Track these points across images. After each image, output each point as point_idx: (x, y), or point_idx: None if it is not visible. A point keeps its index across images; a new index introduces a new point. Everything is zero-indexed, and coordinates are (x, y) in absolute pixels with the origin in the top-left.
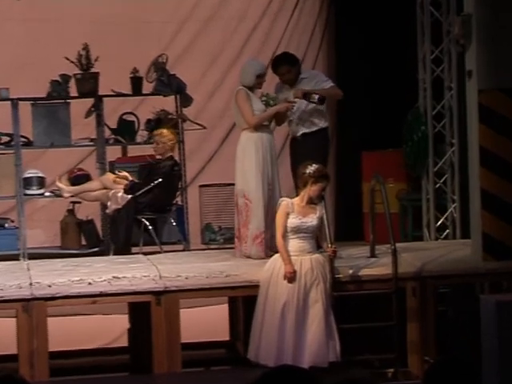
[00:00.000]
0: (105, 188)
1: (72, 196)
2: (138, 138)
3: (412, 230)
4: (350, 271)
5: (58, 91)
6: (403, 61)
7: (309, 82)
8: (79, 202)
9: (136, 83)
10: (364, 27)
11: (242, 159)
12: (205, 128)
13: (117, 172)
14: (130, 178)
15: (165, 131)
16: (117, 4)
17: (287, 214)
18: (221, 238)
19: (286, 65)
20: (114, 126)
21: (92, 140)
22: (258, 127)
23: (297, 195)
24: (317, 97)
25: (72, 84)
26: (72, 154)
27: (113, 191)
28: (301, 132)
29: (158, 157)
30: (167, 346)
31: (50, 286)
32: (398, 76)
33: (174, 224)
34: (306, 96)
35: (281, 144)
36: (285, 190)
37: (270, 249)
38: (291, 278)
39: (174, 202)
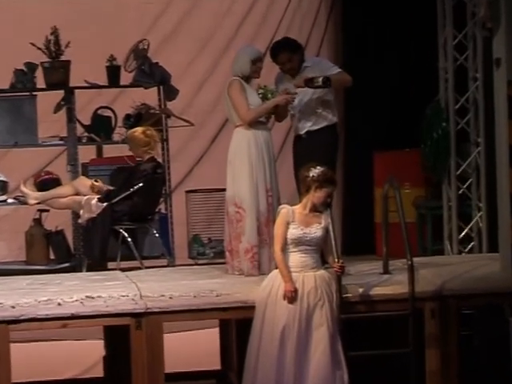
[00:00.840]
0: (77, 194)
1: (39, 203)
2: (116, 137)
3: (431, 242)
4: (360, 290)
5: (23, 82)
6: (421, 47)
7: (312, 70)
8: (47, 211)
9: (113, 73)
10: (375, 8)
11: (233, 161)
12: (192, 125)
13: (93, 181)
14: (106, 189)
15: (137, 133)
16: None
17: (287, 224)
18: (211, 251)
19: (286, 52)
20: (87, 122)
21: (62, 139)
22: (253, 124)
23: (299, 202)
24: (320, 78)
25: (39, 74)
26: (39, 155)
27: (86, 198)
28: (305, 129)
29: (137, 158)
30: (149, 376)
31: (13, 308)
32: (415, 65)
33: (157, 235)
34: (309, 82)
35: (280, 142)
36: (285, 196)
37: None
38: (292, 297)
39: (157, 210)
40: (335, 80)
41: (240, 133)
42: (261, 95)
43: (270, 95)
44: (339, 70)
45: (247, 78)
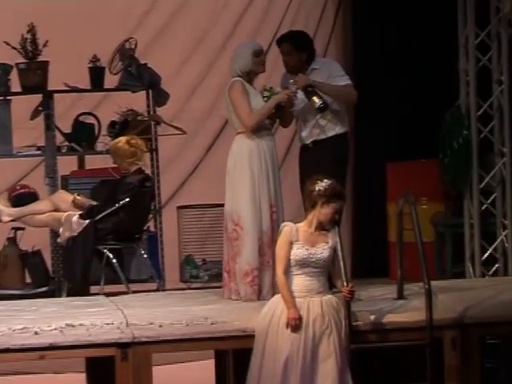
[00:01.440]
0: (56, 210)
1: (13, 220)
2: (99, 146)
3: (451, 264)
4: (372, 317)
5: None
6: (439, 47)
7: (320, 74)
8: (23, 229)
9: (96, 75)
10: (388, 4)
11: (232, 172)
12: (184, 133)
13: (75, 196)
14: (88, 204)
15: (121, 144)
16: None
17: (290, 244)
18: (205, 274)
19: (288, 43)
20: (67, 130)
21: (39, 148)
22: (256, 130)
23: (304, 219)
24: (318, 103)
25: (14, 76)
26: (14, 167)
27: (66, 214)
28: (312, 139)
29: (123, 171)
30: None
31: None
32: (432, 67)
33: (145, 256)
34: (308, 92)
35: (283, 150)
36: (289, 211)
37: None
38: (295, 326)
39: (145, 227)
40: (338, 95)
41: (241, 141)
42: (266, 98)
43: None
44: (348, 82)
45: (250, 76)
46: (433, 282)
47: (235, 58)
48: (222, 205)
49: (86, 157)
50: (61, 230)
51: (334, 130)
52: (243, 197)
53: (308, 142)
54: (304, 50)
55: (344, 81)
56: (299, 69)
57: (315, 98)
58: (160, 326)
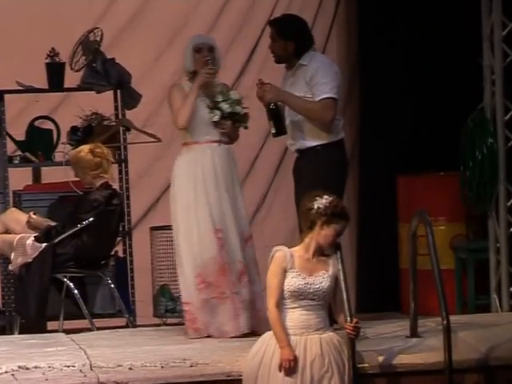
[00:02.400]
0: (7, 232)
1: None
2: (58, 156)
3: (474, 295)
4: (380, 358)
5: None
6: (459, 40)
7: (304, 73)
8: None
9: (54, 72)
10: None
11: (172, 193)
12: (159, 140)
13: (31, 215)
14: (45, 224)
15: (83, 154)
16: None
17: (284, 272)
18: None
19: (273, 28)
20: (20, 137)
21: None
22: (197, 136)
23: (300, 242)
24: (272, 130)
25: None
26: None
27: (19, 237)
28: (294, 147)
29: (87, 186)
30: None
31: None
32: (451, 63)
33: (112, 286)
34: (269, 109)
35: (275, 161)
36: (281, 234)
37: (254, 326)
38: (290, 368)
39: (112, 252)
40: (308, 114)
41: (181, 155)
42: (212, 104)
43: (227, 103)
44: (328, 94)
45: (193, 76)
46: (452, 317)
47: (183, 55)
48: None
49: (43, 169)
50: (12, 255)
51: (326, 137)
52: (180, 220)
53: (292, 149)
54: (289, 38)
55: (324, 92)
56: (286, 60)
57: (271, 123)
58: (130, 369)
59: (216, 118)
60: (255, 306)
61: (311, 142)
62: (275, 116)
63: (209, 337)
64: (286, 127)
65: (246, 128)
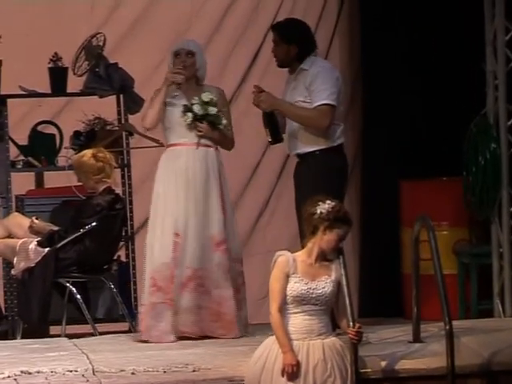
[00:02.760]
0: (9, 236)
1: None
2: (61, 161)
3: (477, 300)
4: (383, 363)
5: None
6: (462, 45)
7: (304, 78)
8: None
9: (57, 77)
10: None
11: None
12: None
13: (33, 219)
14: (48, 229)
15: (86, 158)
16: None
17: (286, 277)
18: None
19: (275, 32)
20: (23, 141)
21: None
22: (173, 136)
23: (302, 247)
24: (268, 138)
25: None
26: None
27: (21, 241)
28: (294, 151)
29: (90, 190)
30: None
31: None
32: (454, 68)
33: (115, 291)
34: (265, 116)
35: (277, 167)
36: (284, 238)
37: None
38: (292, 373)
39: (115, 257)
40: (302, 122)
41: (162, 157)
42: (186, 108)
43: (199, 105)
44: (325, 101)
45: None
46: (455, 322)
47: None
48: None
49: (46, 173)
50: (15, 259)
51: (323, 142)
52: (149, 224)
53: (291, 153)
54: (292, 42)
55: (321, 99)
56: (289, 64)
57: (267, 131)
58: (133, 374)
59: (188, 121)
60: (221, 309)
61: (310, 148)
62: (271, 124)
63: (146, 342)
64: (284, 133)
65: (223, 127)
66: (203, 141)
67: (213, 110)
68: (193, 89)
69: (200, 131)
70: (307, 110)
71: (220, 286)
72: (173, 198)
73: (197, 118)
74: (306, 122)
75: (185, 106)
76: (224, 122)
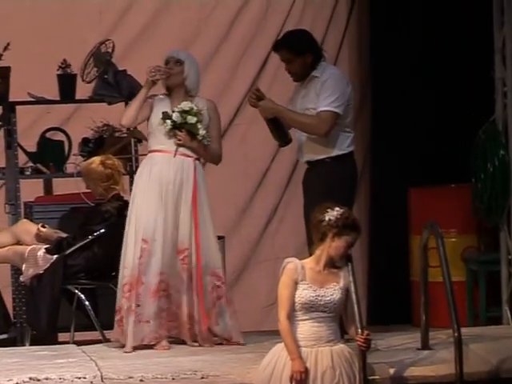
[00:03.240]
0: (18, 243)
1: None
2: (69, 168)
3: (485, 307)
4: (391, 370)
5: None
6: (471, 52)
7: (315, 86)
8: None
9: (66, 84)
10: (410, 3)
11: None
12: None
13: (40, 226)
14: (56, 236)
15: (94, 166)
16: None
17: (295, 284)
18: None
19: (285, 50)
20: (32, 148)
21: None
22: (153, 142)
23: (309, 255)
24: (278, 141)
25: None
26: None
27: (30, 248)
28: (304, 158)
29: (98, 196)
30: None
31: None
32: (462, 75)
33: None
34: (269, 121)
35: (288, 171)
36: (293, 246)
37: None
38: (301, 380)
39: None
40: (302, 128)
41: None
42: (163, 116)
43: (178, 113)
44: (327, 108)
45: (168, 89)
46: (463, 329)
47: None
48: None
49: (54, 180)
50: (24, 266)
51: (328, 151)
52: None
53: (302, 160)
54: (306, 52)
55: (324, 105)
56: (306, 74)
57: (274, 135)
58: (141, 381)
59: (167, 128)
60: (179, 311)
61: (320, 155)
62: (276, 128)
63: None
64: (291, 136)
65: (201, 138)
66: (182, 150)
67: (191, 119)
68: (181, 99)
69: (179, 140)
70: (307, 116)
71: (180, 291)
72: (144, 204)
73: (175, 126)
74: (305, 129)
75: (164, 112)
76: (202, 132)
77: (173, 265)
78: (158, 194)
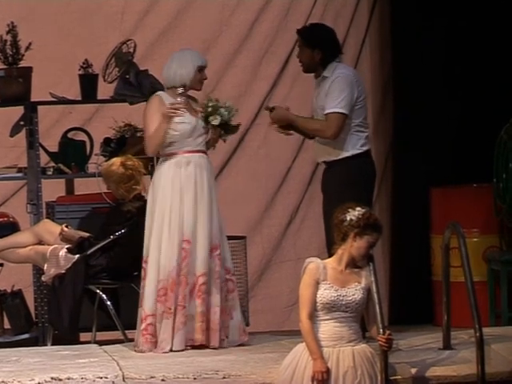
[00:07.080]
0: (40, 243)
1: None
2: (91, 168)
3: (508, 307)
4: (413, 370)
5: None
6: (494, 50)
7: (324, 86)
8: (1, 265)
9: (88, 84)
10: (434, 2)
11: (149, 203)
12: None
13: (62, 226)
14: (78, 236)
15: (115, 167)
16: None
17: (317, 284)
18: None
19: (299, 35)
20: (53, 148)
21: (21, 170)
22: (177, 144)
23: (330, 255)
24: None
25: None
26: None
27: (52, 248)
28: (321, 159)
29: (119, 197)
30: None
31: None
32: (485, 74)
33: None
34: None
35: (309, 171)
36: (313, 246)
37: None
38: (323, 380)
39: None
40: (311, 132)
41: (158, 166)
42: (203, 114)
43: (226, 110)
44: (334, 109)
45: (184, 89)
46: (485, 329)
47: (171, 68)
48: (237, 237)
49: (76, 180)
50: (45, 266)
51: (344, 151)
52: (151, 229)
53: (319, 160)
54: (315, 47)
55: (331, 107)
56: (314, 69)
57: (286, 129)
58: (163, 381)
59: (216, 122)
60: (208, 316)
61: (336, 155)
62: (296, 131)
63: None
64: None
65: (224, 141)
66: (202, 147)
67: (232, 120)
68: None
69: (215, 136)
70: (316, 122)
71: (211, 293)
72: (179, 204)
73: (220, 123)
74: (316, 134)
75: (213, 106)
76: (229, 136)
77: (210, 263)
78: (194, 194)
